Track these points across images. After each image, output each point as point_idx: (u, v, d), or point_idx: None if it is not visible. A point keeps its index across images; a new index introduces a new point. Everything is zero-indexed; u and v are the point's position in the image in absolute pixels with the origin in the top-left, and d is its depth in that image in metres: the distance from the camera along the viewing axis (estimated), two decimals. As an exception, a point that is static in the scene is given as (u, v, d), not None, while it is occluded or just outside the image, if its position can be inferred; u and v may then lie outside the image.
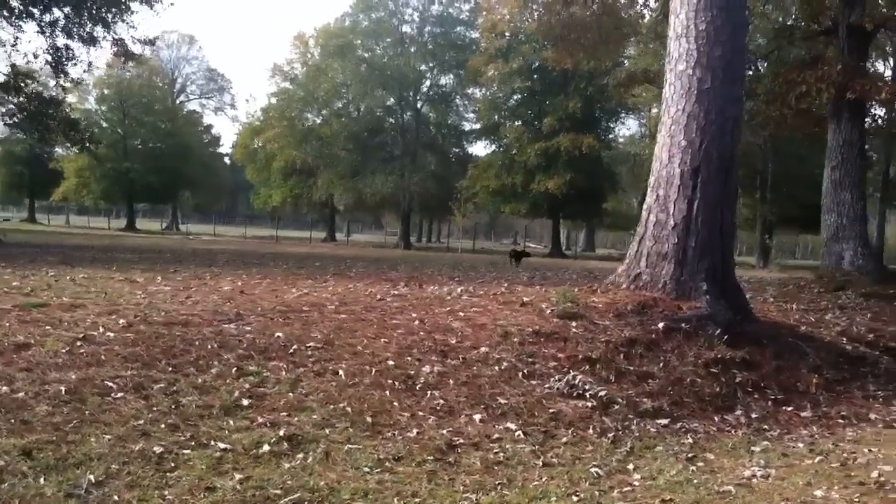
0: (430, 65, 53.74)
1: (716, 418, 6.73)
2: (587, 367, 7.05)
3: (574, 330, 7.56)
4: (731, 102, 8.50)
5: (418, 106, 54.00)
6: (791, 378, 7.76)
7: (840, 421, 7.14)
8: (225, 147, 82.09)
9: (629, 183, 54.86)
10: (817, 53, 13.71)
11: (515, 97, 49.22)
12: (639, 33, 19.81)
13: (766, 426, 6.75)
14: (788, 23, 14.82)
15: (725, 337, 7.81)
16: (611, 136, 50.83)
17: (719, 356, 7.52)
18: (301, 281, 13.02)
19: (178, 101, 69.49)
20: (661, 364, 7.25)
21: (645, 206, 8.71)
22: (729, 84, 8.44)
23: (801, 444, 6.36)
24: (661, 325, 7.71)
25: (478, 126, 52.19)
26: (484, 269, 21.45)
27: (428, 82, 54.68)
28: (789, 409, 7.19)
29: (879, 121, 15.30)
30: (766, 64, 16.91)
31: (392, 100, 53.44)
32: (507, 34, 41.88)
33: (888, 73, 40.53)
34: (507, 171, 45.65)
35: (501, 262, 27.86)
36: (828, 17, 13.95)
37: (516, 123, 47.96)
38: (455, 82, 54.69)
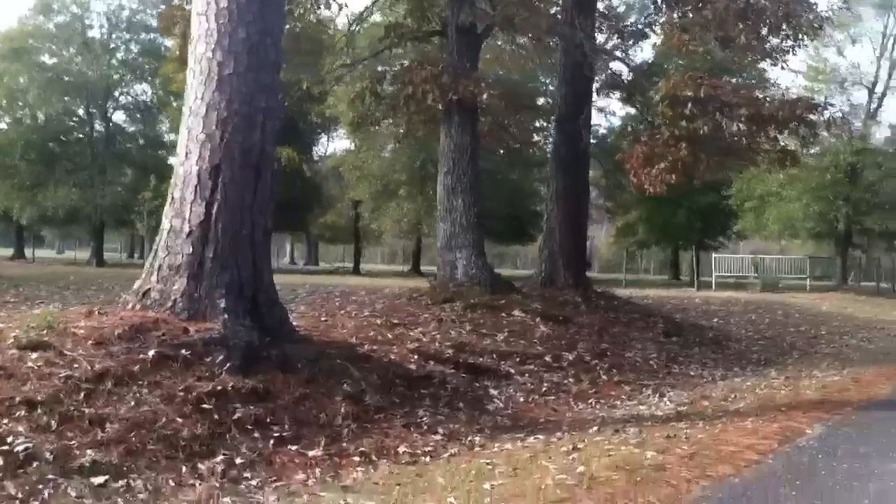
0: (122, 73, 50.02)
1: (184, 469, 5.39)
2: (24, 412, 5.47)
3: (30, 365, 5.95)
4: (261, 92, 7.29)
5: (109, 115, 49.89)
6: (315, 409, 6.61)
7: (356, 459, 6.08)
8: None
9: (340, 197, 54.08)
10: (429, 54, 13.46)
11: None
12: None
13: (249, 473, 5.50)
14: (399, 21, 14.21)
15: (238, 363, 6.56)
16: (315, 148, 49.71)
17: (220, 388, 6.19)
18: None
19: None
20: (132, 403, 5.82)
21: (165, 212, 7.29)
22: (256, 71, 7.23)
23: (289, 492, 5.23)
24: (151, 352, 6.28)
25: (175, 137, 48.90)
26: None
27: (120, 91, 50.83)
28: (294, 448, 6.03)
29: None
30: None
31: (81, 109, 49.01)
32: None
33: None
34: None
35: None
36: (437, 17, 13.51)
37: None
38: (152, 91, 51.20)
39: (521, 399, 8.53)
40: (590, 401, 9.02)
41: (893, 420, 7.56)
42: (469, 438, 6.89)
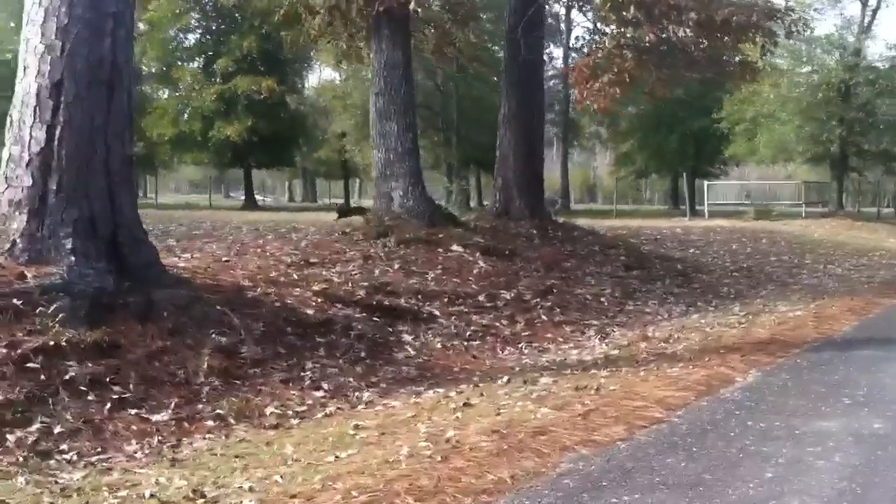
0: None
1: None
2: None
3: None
4: (109, -7, 6.33)
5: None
6: (174, 365, 5.82)
7: (209, 423, 5.30)
8: None
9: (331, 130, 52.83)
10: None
11: (191, 36, 45.20)
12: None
13: (67, 445, 4.71)
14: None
15: (84, 313, 5.75)
16: (297, 79, 48.13)
17: (52, 343, 5.38)
18: None
19: None
20: (-65, 365, 5.05)
21: (6, 137, 6.39)
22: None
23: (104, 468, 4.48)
24: (-28, 304, 5.48)
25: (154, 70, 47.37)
26: None
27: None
28: (135, 412, 5.25)
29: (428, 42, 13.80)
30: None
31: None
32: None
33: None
34: (184, 117, 41.77)
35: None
36: None
37: (191, 65, 43.99)
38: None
39: (439, 345, 7.74)
40: (520, 345, 8.25)
41: (838, 365, 6.74)
42: (357, 394, 6.13)
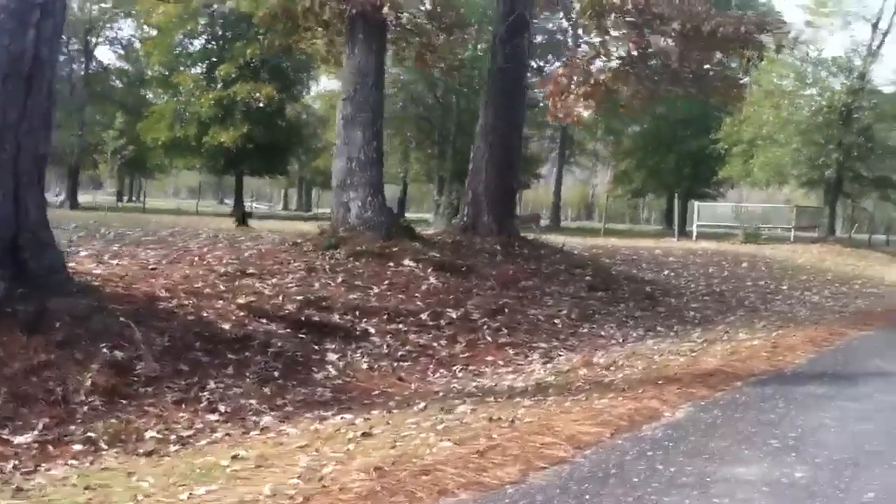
0: (107, 4, 47.93)
1: None
2: None
3: None
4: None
5: (91, 49, 48.06)
6: (54, 381, 5.36)
7: (77, 448, 4.84)
8: None
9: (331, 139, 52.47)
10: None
11: (196, 42, 45.03)
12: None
13: None
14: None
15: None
16: (299, 87, 47.80)
17: None
18: None
19: None
20: None
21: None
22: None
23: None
24: None
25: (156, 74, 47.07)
26: None
27: (102, 25, 48.93)
28: (-5, 433, 4.84)
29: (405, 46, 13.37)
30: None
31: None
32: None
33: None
34: (181, 122, 41.43)
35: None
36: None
37: (193, 70, 43.75)
38: (135, 26, 49.38)
39: (365, 366, 7.31)
40: (455, 367, 7.82)
41: (778, 401, 6.30)
42: (255, 419, 5.70)
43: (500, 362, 8.24)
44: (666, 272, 16.47)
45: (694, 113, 40.81)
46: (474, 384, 7.20)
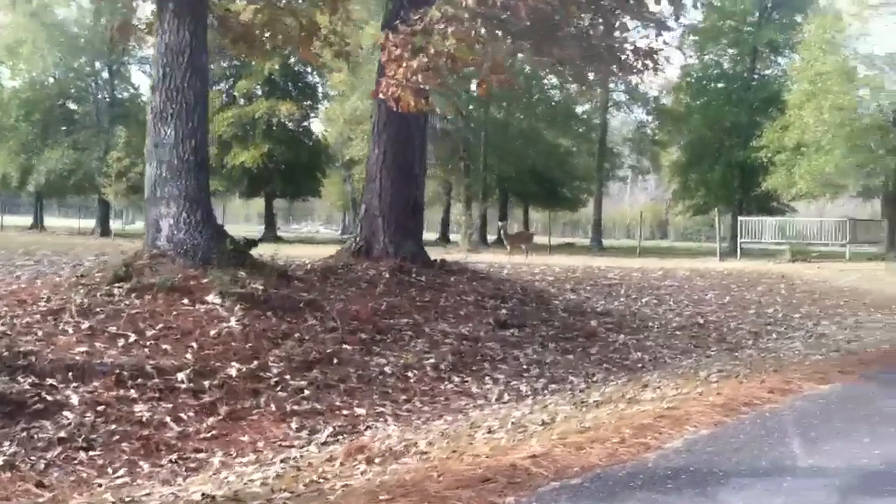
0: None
1: None
2: None
3: None
4: None
5: (113, 70, 47.16)
6: None
7: None
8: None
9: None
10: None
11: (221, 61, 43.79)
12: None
13: None
14: None
15: None
16: (323, 103, 46.12)
17: None
18: None
19: None
20: None
21: None
22: None
23: None
24: None
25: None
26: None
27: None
28: None
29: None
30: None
31: (82, 64, 46.40)
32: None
33: None
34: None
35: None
36: None
37: (213, 89, 42.44)
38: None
39: (0, 461, 4.89)
40: (172, 457, 5.40)
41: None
42: None
43: (259, 445, 5.76)
44: (645, 299, 13.64)
45: (742, 121, 37.51)
46: (160, 493, 4.71)
